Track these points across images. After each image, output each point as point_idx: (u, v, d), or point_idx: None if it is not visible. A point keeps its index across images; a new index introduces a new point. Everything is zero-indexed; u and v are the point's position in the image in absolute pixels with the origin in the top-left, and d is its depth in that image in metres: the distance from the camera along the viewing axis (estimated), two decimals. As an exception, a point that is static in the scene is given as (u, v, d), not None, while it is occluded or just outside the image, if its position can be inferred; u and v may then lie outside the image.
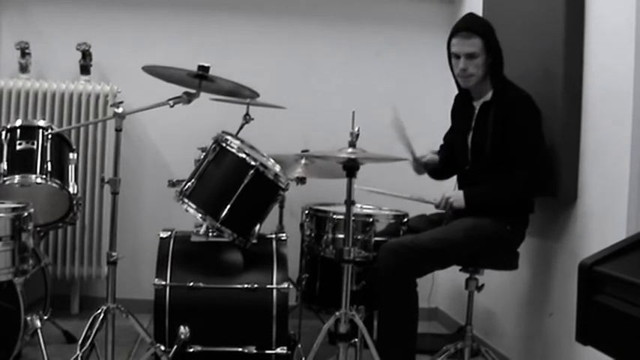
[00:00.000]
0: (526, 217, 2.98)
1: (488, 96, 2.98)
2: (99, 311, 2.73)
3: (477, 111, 3.01)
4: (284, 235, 3.25)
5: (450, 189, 3.10)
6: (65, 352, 3.13)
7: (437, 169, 3.26)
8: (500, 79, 2.95)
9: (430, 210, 3.18)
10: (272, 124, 3.83)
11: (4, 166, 3.14)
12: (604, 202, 2.72)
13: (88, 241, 3.95)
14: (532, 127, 2.88)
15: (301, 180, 3.46)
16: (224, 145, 3.01)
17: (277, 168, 3.06)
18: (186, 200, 2.99)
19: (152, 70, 2.97)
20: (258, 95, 3.24)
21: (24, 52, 3.92)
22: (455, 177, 3.22)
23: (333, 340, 2.77)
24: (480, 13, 3.53)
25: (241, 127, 3.44)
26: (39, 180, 3.14)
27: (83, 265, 3.96)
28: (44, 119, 3.67)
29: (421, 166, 3.22)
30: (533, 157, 2.87)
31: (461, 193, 2.96)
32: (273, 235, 3.24)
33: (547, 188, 2.94)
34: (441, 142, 3.34)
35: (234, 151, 3.00)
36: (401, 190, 3.05)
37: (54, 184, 3.18)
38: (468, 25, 2.94)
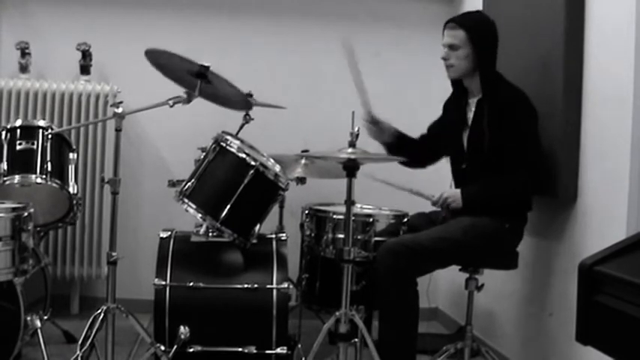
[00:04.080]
0: (524, 215, 2.98)
1: (481, 94, 2.98)
2: (99, 311, 2.73)
3: (473, 109, 3.01)
4: (284, 235, 3.25)
5: (445, 186, 3.09)
6: (65, 352, 3.13)
7: (411, 156, 3.09)
8: (490, 76, 2.94)
9: (429, 207, 3.18)
10: (272, 124, 3.83)
11: (4, 166, 3.14)
12: (604, 202, 2.72)
13: (88, 241, 3.95)
14: (527, 126, 2.88)
15: (301, 180, 3.47)
16: (224, 145, 3.01)
17: (277, 168, 3.06)
18: (186, 200, 2.99)
19: (154, 59, 2.95)
20: (251, 95, 3.24)
21: (24, 52, 3.92)
22: (451, 177, 3.21)
23: (333, 340, 2.77)
24: (479, 13, 3.53)
25: (241, 127, 3.44)
26: (39, 180, 3.14)
27: (83, 265, 3.96)
28: (44, 119, 3.67)
29: (375, 125, 3.12)
30: (529, 155, 2.87)
31: (459, 192, 2.95)
32: (273, 235, 3.24)
33: (544, 187, 2.94)
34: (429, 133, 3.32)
35: (234, 151, 3.00)
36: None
37: (54, 184, 3.18)
38: (456, 18, 2.99)
